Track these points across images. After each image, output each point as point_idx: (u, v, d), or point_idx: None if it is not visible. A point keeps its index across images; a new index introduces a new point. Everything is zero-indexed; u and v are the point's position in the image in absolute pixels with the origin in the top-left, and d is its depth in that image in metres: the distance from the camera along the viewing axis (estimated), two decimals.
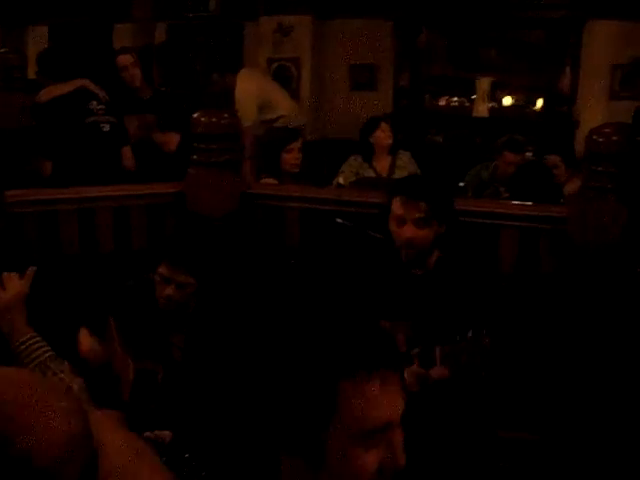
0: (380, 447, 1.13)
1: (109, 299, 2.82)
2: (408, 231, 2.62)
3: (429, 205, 2.60)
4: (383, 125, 5.32)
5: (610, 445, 2.96)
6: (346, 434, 1.12)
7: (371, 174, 5.23)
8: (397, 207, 2.63)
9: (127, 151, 4.54)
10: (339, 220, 2.81)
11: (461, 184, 5.04)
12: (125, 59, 4.93)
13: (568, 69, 6.74)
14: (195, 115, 3.65)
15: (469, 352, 2.30)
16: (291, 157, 4.39)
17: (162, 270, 2.79)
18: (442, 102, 7.31)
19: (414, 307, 2.59)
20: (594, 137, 3.12)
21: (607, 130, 3.14)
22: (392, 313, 2.52)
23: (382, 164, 5.31)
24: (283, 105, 5.90)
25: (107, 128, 4.35)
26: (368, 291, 2.62)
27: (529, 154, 5.70)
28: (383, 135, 5.29)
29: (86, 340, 2.59)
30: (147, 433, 1.97)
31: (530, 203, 3.60)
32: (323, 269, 3.00)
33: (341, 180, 5.14)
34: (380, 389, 1.12)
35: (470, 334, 2.30)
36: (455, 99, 7.30)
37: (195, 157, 3.64)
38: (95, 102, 4.34)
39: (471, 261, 2.75)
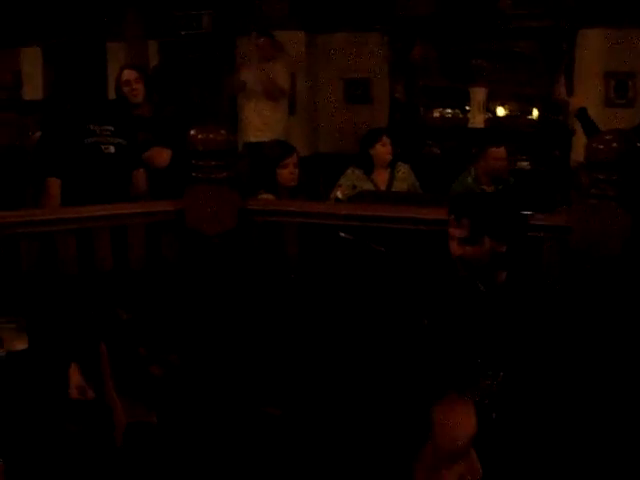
0: (462, 462, 1.17)
1: (103, 329, 2.80)
2: (456, 249, 2.65)
3: (473, 224, 2.60)
4: (384, 139, 5.28)
5: (615, 456, 2.94)
6: (436, 457, 1.13)
7: (370, 187, 5.20)
8: (450, 224, 2.67)
9: (139, 174, 4.36)
10: (342, 234, 2.79)
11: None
12: (129, 74, 4.89)
13: (562, 78, 6.75)
14: (192, 132, 3.63)
15: (485, 393, 2.26)
16: (287, 172, 4.37)
17: None
18: (436, 114, 7.31)
19: (473, 323, 2.56)
20: (594, 145, 3.11)
21: (607, 137, 3.12)
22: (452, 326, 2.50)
23: (381, 177, 5.28)
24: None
25: (112, 150, 4.16)
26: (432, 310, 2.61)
27: (526, 163, 5.71)
28: (384, 149, 5.26)
29: (76, 379, 2.58)
30: None
31: (531, 212, 3.59)
32: (328, 284, 2.98)
33: (339, 194, 5.11)
34: (466, 409, 1.16)
35: (501, 375, 2.27)
36: (449, 111, 7.30)
37: (193, 174, 3.61)
38: (96, 123, 4.19)
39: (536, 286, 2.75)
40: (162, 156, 4.71)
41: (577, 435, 2.94)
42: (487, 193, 3.62)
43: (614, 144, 3.07)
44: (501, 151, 5.24)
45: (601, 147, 3.08)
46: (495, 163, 5.13)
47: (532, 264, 2.96)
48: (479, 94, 6.94)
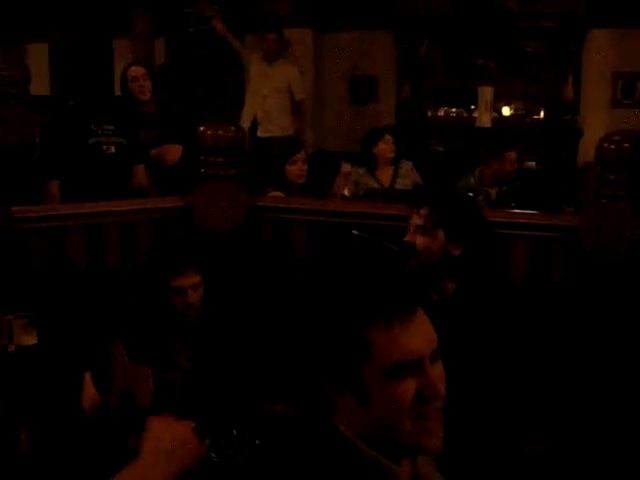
0: (414, 378, 1.27)
1: (114, 323, 2.82)
2: (408, 236, 2.61)
3: (430, 213, 2.57)
4: (387, 137, 5.31)
5: (619, 458, 2.94)
6: (380, 372, 1.27)
7: (373, 184, 5.22)
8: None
9: (139, 169, 4.33)
10: (355, 232, 2.78)
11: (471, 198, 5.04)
12: (138, 70, 4.87)
13: (570, 78, 6.74)
14: (201, 128, 3.63)
15: None
16: (296, 169, 4.37)
17: (174, 283, 2.80)
18: (441, 113, 7.31)
19: None
20: (605, 145, 3.10)
21: (618, 137, 3.11)
22: None
23: (384, 174, 5.30)
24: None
25: (112, 150, 4.14)
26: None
27: (533, 163, 5.71)
28: (386, 147, 5.28)
29: (89, 391, 2.61)
30: None
31: (540, 212, 3.59)
32: (337, 281, 2.97)
33: (346, 192, 5.12)
34: (399, 331, 1.27)
35: None
36: (454, 110, 7.30)
37: (202, 171, 3.61)
38: (98, 122, 4.14)
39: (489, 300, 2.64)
40: (173, 152, 4.71)
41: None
42: (453, 190, 3.56)
43: (625, 144, 3.06)
44: (514, 154, 5.30)
45: (612, 147, 3.07)
46: (511, 166, 5.18)
47: (495, 275, 2.90)
48: (486, 94, 6.94)
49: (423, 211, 2.59)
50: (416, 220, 2.60)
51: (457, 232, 2.58)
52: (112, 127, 4.16)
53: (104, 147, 4.12)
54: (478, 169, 5.35)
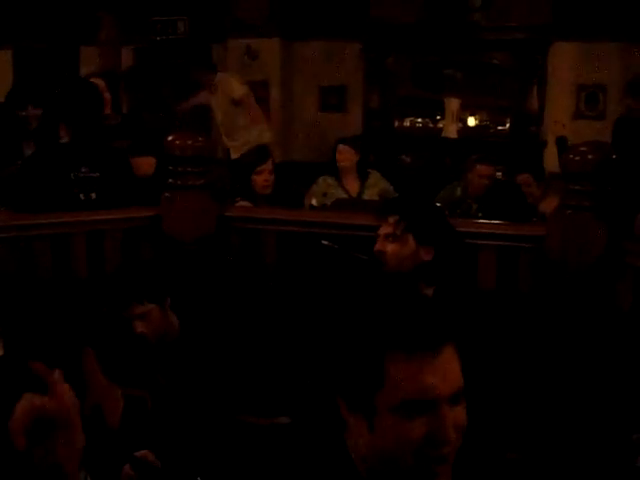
0: (426, 418, 1.23)
1: (86, 329, 2.79)
2: (377, 245, 2.61)
3: (398, 220, 2.58)
4: (340, 147, 5.33)
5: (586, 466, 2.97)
6: (392, 404, 1.24)
7: (341, 193, 5.24)
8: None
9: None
10: (325, 242, 2.79)
11: (437, 204, 5.05)
12: (98, 82, 4.83)
13: (535, 90, 6.84)
14: (169, 138, 3.61)
15: None
16: (261, 179, 4.37)
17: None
18: (407, 123, 7.36)
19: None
20: (570, 156, 3.14)
21: (583, 149, 3.16)
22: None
23: (352, 184, 5.32)
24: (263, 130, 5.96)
25: (93, 196, 3.74)
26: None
27: (499, 174, 5.74)
28: (340, 157, 5.31)
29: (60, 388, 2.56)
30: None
31: (507, 222, 3.62)
32: (308, 292, 2.98)
33: (314, 202, 5.13)
34: (418, 367, 1.23)
35: None
36: (419, 120, 7.36)
37: (170, 180, 3.60)
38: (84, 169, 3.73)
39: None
40: (146, 165, 4.59)
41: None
42: (419, 195, 3.55)
43: (589, 155, 3.10)
44: (487, 169, 5.18)
45: (577, 158, 3.11)
46: (480, 181, 5.11)
47: (466, 282, 2.92)
48: (452, 104, 7.01)
49: (391, 219, 2.60)
50: (385, 229, 2.61)
51: (426, 235, 2.59)
52: (96, 174, 3.77)
53: (81, 195, 3.74)
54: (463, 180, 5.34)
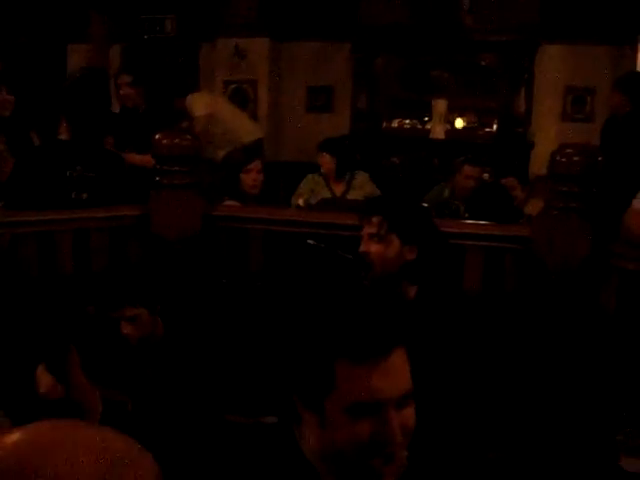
0: (372, 420, 1.27)
1: (70, 327, 2.78)
2: (362, 246, 2.60)
3: (382, 220, 2.57)
4: (318, 153, 5.39)
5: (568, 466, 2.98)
6: (341, 405, 1.27)
7: (327, 193, 5.25)
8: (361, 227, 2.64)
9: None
10: (310, 241, 2.79)
11: (424, 205, 5.06)
12: (124, 78, 4.86)
13: (523, 91, 6.86)
14: (157, 137, 3.61)
15: None
16: (249, 178, 4.37)
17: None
18: (395, 124, 7.37)
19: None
20: (557, 157, 3.16)
21: (569, 150, 3.18)
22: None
23: (337, 184, 5.33)
24: (242, 131, 5.91)
25: (84, 196, 3.73)
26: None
27: (486, 175, 5.75)
28: (319, 162, 5.35)
29: (45, 379, 2.55)
30: None
31: (493, 223, 3.64)
32: (294, 290, 2.98)
33: (300, 202, 5.14)
34: (366, 371, 1.26)
35: None
36: (407, 121, 7.37)
37: (157, 179, 3.60)
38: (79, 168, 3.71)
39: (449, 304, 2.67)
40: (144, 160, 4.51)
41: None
42: (402, 194, 3.54)
43: (576, 157, 3.12)
44: (473, 170, 5.19)
45: (563, 160, 3.13)
46: (467, 182, 5.13)
47: (448, 281, 2.93)
48: (440, 106, 7.02)
49: (375, 219, 2.60)
50: (369, 229, 2.61)
51: (410, 234, 2.59)
52: (91, 174, 3.76)
53: (73, 194, 3.74)
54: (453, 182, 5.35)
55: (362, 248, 2.61)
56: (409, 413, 1.31)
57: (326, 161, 5.32)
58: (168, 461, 2.12)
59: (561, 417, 3.08)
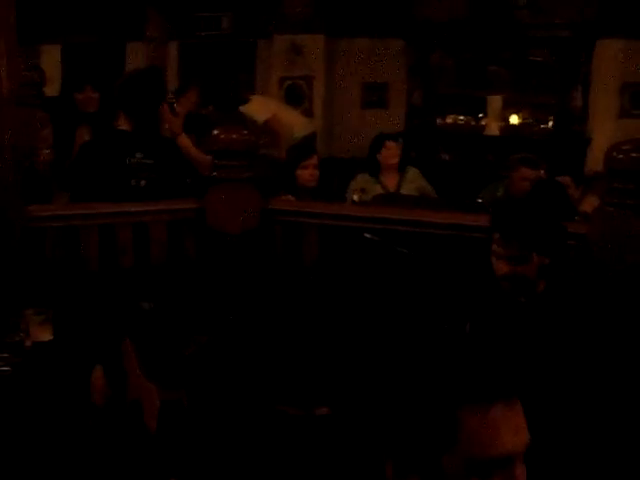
0: (499, 479, 1.09)
1: (126, 323, 2.85)
2: (503, 267, 2.59)
3: (523, 244, 2.56)
4: (388, 143, 5.36)
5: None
6: (464, 462, 1.08)
7: (379, 189, 5.27)
8: (494, 242, 2.62)
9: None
10: (367, 235, 2.81)
11: (479, 200, 5.05)
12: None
13: (579, 87, 6.79)
14: (215, 132, 3.67)
15: None
16: (307, 173, 4.42)
17: None
18: (449, 120, 7.36)
19: (512, 334, 2.54)
20: (613, 154, 3.13)
21: (626, 147, 3.15)
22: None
23: (390, 180, 5.35)
24: (296, 127, 5.96)
25: (143, 184, 3.79)
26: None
27: (542, 172, 5.70)
28: (388, 153, 5.34)
29: (99, 383, 2.63)
30: None
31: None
32: (349, 285, 3.01)
33: (355, 197, 5.17)
34: (500, 421, 1.09)
35: None
36: (462, 117, 7.36)
37: (215, 173, 3.66)
38: (133, 155, 3.78)
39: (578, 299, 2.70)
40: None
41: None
42: (531, 209, 3.49)
43: (633, 154, 3.09)
44: (530, 172, 5.03)
45: (620, 156, 3.11)
46: (522, 183, 5.07)
47: (568, 272, 2.94)
48: (495, 102, 7.00)
49: (514, 242, 2.58)
50: (506, 252, 2.59)
51: (548, 248, 2.62)
52: (150, 161, 3.83)
53: (132, 181, 3.80)
54: (507, 180, 5.31)
55: (503, 271, 2.59)
56: (524, 468, 1.13)
57: (396, 151, 5.36)
58: (220, 453, 2.17)
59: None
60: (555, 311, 2.55)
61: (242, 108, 5.78)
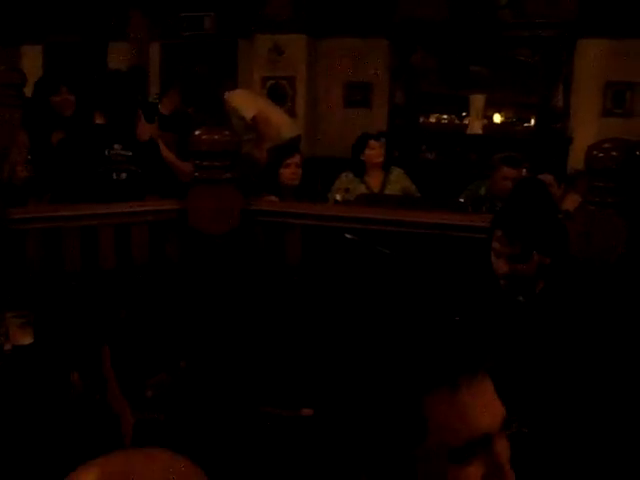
0: (481, 461, 1.01)
1: (105, 328, 2.84)
2: (503, 266, 2.60)
3: (526, 243, 2.57)
4: (372, 143, 5.35)
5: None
6: (439, 451, 1.00)
7: (363, 189, 5.26)
8: (495, 239, 2.61)
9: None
10: (348, 235, 2.81)
11: (461, 200, 5.06)
12: None
13: (561, 86, 6.82)
14: (196, 132, 3.67)
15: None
16: (289, 172, 4.41)
17: None
18: (432, 119, 7.38)
19: (511, 333, 2.54)
20: (594, 152, 3.15)
21: (607, 145, 3.17)
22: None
23: (374, 180, 5.34)
24: (284, 128, 5.93)
25: (123, 176, 3.82)
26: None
27: (524, 171, 5.72)
28: (373, 153, 5.32)
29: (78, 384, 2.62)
30: None
31: None
32: (332, 284, 3.01)
33: (338, 197, 5.17)
34: (469, 398, 1.01)
35: None
36: (445, 116, 7.38)
37: (197, 174, 3.65)
38: (113, 147, 3.81)
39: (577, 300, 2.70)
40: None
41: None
42: (535, 208, 3.44)
43: (614, 152, 3.11)
44: (511, 172, 5.01)
45: (601, 155, 3.13)
46: (504, 183, 5.07)
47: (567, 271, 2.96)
48: (478, 101, 7.01)
49: (517, 241, 2.58)
50: (508, 250, 2.59)
51: (549, 248, 2.62)
52: (129, 152, 3.86)
53: (113, 174, 3.82)
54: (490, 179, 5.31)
55: (503, 270, 2.60)
56: (506, 441, 1.05)
57: (381, 151, 5.34)
58: (207, 457, 2.16)
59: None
60: (554, 311, 2.56)
61: (227, 98, 5.76)
